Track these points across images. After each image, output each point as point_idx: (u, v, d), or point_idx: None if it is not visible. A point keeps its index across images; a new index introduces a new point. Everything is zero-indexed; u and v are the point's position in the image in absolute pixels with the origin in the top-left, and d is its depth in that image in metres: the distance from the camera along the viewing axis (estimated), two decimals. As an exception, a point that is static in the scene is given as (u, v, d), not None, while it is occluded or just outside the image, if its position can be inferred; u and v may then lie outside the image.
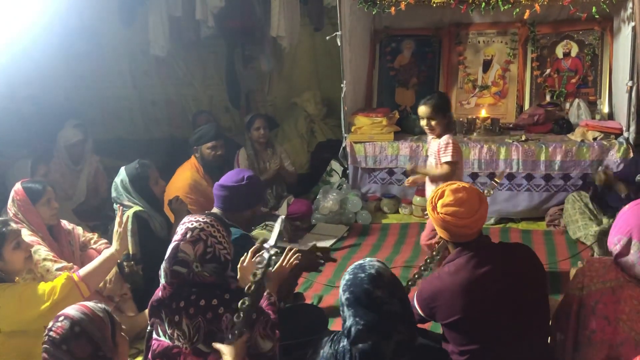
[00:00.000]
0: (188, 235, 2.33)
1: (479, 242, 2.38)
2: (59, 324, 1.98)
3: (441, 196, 2.37)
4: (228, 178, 3.10)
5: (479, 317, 2.28)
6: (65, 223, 3.56)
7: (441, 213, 2.34)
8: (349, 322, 2.05)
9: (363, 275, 2.09)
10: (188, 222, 2.39)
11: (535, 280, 2.38)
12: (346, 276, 2.13)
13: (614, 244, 2.28)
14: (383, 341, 2.03)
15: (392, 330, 2.05)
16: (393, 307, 2.06)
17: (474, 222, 2.33)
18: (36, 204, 3.32)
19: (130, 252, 3.50)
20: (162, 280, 2.37)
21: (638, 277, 2.23)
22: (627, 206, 2.35)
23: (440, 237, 2.54)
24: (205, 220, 2.39)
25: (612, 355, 2.23)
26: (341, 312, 2.13)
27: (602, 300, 2.24)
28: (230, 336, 2.20)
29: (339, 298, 2.15)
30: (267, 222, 4.54)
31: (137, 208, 3.60)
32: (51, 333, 1.98)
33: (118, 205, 3.53)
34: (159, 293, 2.39)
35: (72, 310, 2.03)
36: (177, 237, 2.36)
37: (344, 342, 2.14)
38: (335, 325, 3.31)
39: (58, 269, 3.13)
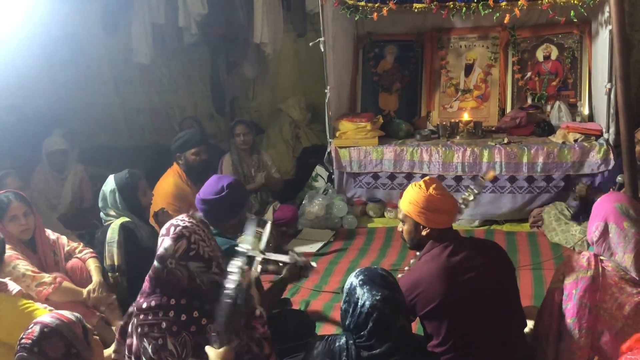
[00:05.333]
0: (171, 231, 2.33)
1: (450, 234, 2.56)
2: (29, 331, 2.02)
3: (427, 183, 2.56)
4: (208, 190, 2.97)
5: (457, 302, 2.36)
6: (49, 233, 3.53)
7: (434, 194, 2.50)
8: (363, 299, 2.13)
9: (376, 267, 2.28)
10: (173, 220, 2.39)
11: (505, 271, 2.52)
12: (355, 271, 2.26)
13: (593, 231, 2.41)
14: (393, 317, 2.11)
15: (402, 309, 2.16)
16: (402, 297, 2.22)
17: (453, 206, 2.59)
18: (2, 220, 3.24)
19: (116, 264, 3.48)
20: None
21: (618, 263, 2.31)
22: (600, 197, 2.50)
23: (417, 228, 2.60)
24: (190, 220, 2.39)
25: (594, 344, 2.31)
26: (347, 300, 2.18)
27: (582, 289, 2.33)
28: (217, 340, 2.18)
29: (345, 289, 2.22)
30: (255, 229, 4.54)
31: (123, 219, 3.58)
32: (22, 341, 2.01)
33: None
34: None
35: (43, 317, 2.07)
36: (162, 232, 2.36)
37: (341, 341, 2.16)
38: (321, 330, 3.32)
39: (38, 285, 3.12)
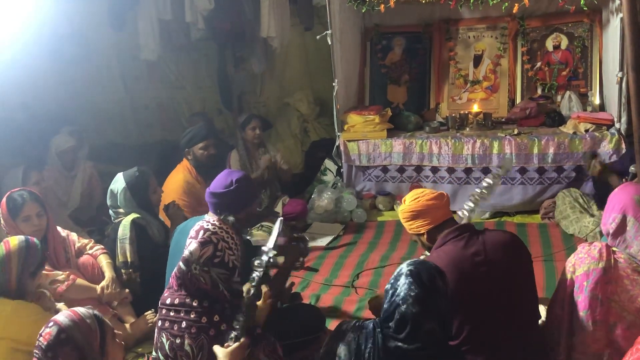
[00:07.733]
0: (200, 235, 2.34)
1: (463, 227, 2.55)
2: (47, 329, 2.01)
3: (403, 201, 2.72)
4: (217, 183, 2.92)
5: (470, 295, 2.34)
6: (59, 230, 3.55)
7: (412, 201, 2.63)
8: (401, 289, 2.11)
9: (431, 264, 2.20)
10: (204, 223, 2.40)
11: (521, 261, 2.49)
12: (412, 260, 2.22)
13: (609, 223, 2.38)
14: (421, 318, 2.07)
15: (436, 314, 2.10)
16: (442, 304, 2.13)
17: (439, 197, 2.63)
18: (15, 219, 3.27)
19: (129, 260, 3.50)
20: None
21: (633, 256, 2.29)
22: (617, 188, 2.47)
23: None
24: (221, 225, 2.41)
25: (608, 337, 2.28)
26: (391, 282, 2.17)
27: (594, 281, 2.31)
28: (229, 340, 2.19)
29: (395, 271, 2.19)
30: (262, 223, 4.54)
31: (134, 215, 3.59)
32: (40, 338, 2.00)
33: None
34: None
35: (62, 316, 2.05)
36: (191, 233, 2.40)
37: (369, 329, 2.17)
38: (332, 325, 3.31)
39: (51, 283, 3.14)
